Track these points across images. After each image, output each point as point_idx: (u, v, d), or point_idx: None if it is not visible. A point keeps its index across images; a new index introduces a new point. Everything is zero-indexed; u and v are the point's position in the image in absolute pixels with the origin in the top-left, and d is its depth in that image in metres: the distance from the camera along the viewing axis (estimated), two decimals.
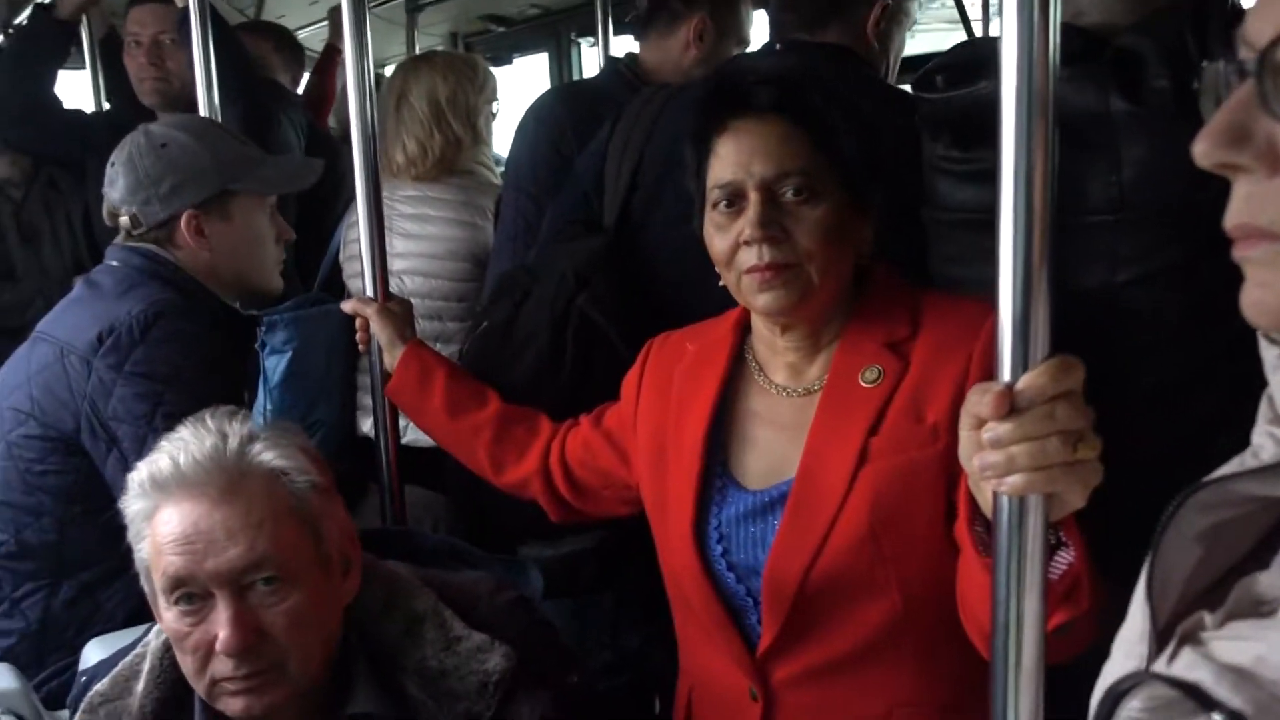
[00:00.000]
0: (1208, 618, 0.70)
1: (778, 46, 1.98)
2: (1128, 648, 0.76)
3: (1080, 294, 1.33)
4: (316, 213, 3.09)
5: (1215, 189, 0.65)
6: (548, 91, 3.28)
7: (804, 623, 1.33)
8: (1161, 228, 1.30)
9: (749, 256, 1.31)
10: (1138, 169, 1.29)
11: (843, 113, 1.36)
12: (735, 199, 1.33)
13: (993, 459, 0.93)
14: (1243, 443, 0.75)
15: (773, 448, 1.39)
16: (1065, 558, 1.03)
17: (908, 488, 1.28)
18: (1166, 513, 0.73)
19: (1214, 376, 1.30)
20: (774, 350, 1.42)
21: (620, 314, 1.81)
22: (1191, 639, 0.69)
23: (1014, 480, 0.93)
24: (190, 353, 1.80)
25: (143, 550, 1.23)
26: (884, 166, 1.40)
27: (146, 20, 3.03)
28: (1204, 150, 0.63)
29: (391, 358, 1.84)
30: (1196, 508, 0.73)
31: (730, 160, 1.34)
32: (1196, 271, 1.27)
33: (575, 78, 4.95)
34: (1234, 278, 0.66)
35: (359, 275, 2.53)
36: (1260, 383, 0.74)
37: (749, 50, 2.53)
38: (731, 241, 1.33)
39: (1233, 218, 0.64)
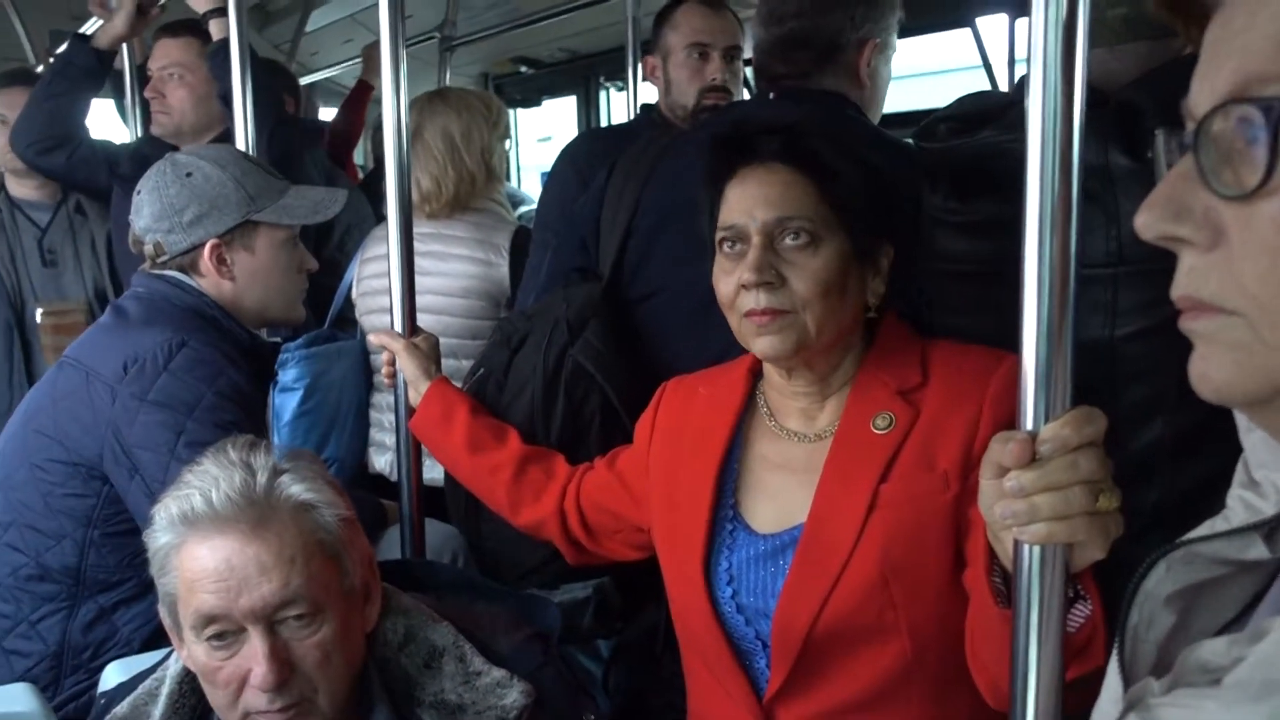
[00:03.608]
0: (1155, 684, 0.69)
1: (772, 95, 2.00)
2: (1104, 710, 0.76)
3: (1079, 347, 1.33)
4: (319, 246, 3.14)
5: None
6: (581, 134, 3.32)
7: (812, 667, 1.33)
8: (1160, 282, 1.28)
9: (748, 300, 1.33)
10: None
11: (849, 161, 1.37)
12: (738, 242, 1.36)
13: (1015, 507, 0.94)
14: None
15: (784, 492, 1.40)
16: (1083, 610, 1.03)
17: (918, 535, 1.28)
18: (1136, 576, 0.74)
19: (1215, 433, 1.29)
20: (785, 395, 1.44)
21: (613, 362, 1.82)
22: (1139, 705, 0.69)
23: (1036, 529, 0.93)
24: (213, 382, 1.81)
25: (168, 584, 1.23)
26: (894, 216, 1.41)
27: (157, 55, 3.10)
28: (1145, 222, 0.63)
29: (416, 393, 1.86)
30: (1166, 570, 0.73)
31: (736, 205, 1.37)
32: None
33: (602, 121, 5.02)
34: None
35: (375, 311, 2.57)
36: None
37: (746, 99, 2.56)
38: (734, 285, 1.35)
39: (1177, 289, 0.64)
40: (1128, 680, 0.74)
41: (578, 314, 1.84)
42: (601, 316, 1.85)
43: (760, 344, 1.35)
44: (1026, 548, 0.95)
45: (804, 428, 1.42)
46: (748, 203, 1.35)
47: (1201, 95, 0.62)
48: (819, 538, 1.32)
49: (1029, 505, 0.93)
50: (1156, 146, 0.67)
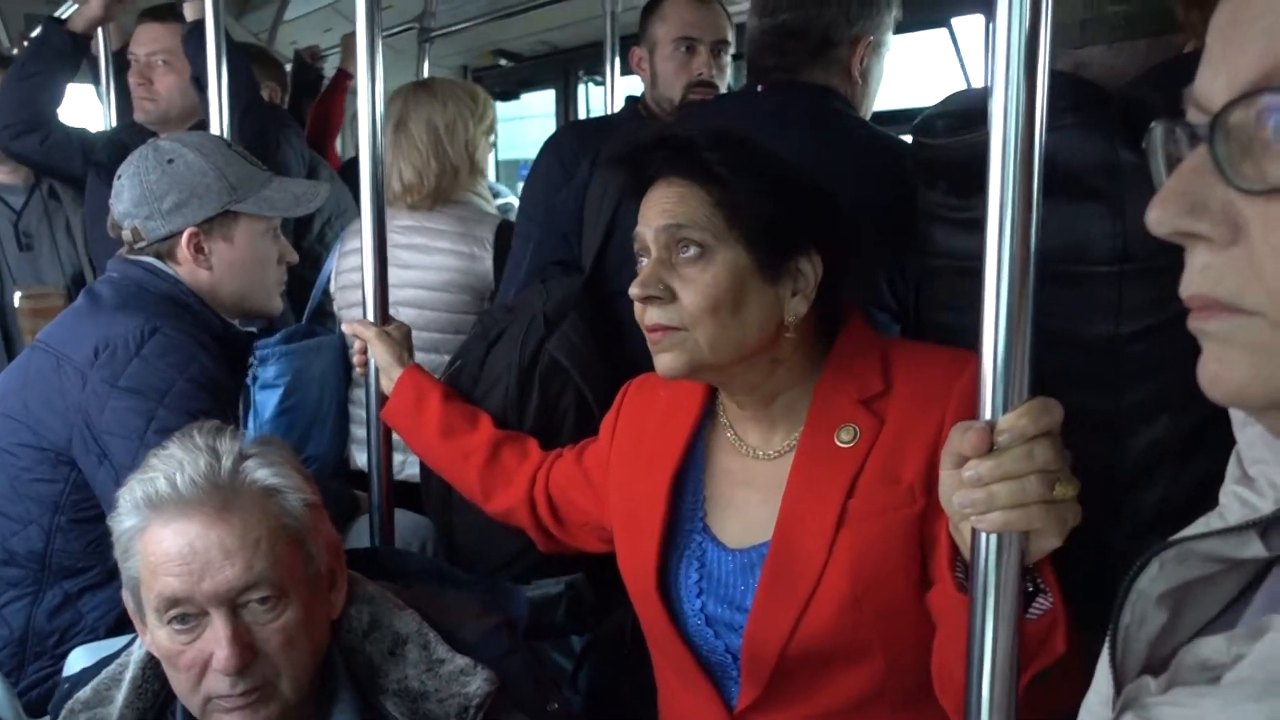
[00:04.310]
0: (1152, 683, 0.69)
1: (760, 89, 2.00)
2: (1094, 710, 0.76)
3: (1084, 344, 1.33)
4: (299, 237, 3.13)
5: None
6: (565, 125, 3.30)
7: (785, 685, 1.32)
8: (1166, 280, 1.27)
9: (643, 316, 1.32)
10: (1142, 220, 1.29)
11: (746, 174, 1.31)
12: (643, 256, 1.34)
13: (973, 496, 0.95)
14: None
15: (748, 508, 1.38)
16: (1043, 604, 1.04)
17: (887, 551, 1.26)
18: (1129, 575, 0.73)
19: (1220, 431, 1.28)
20: (736, 405, 1.41)
21: (588, 357, 1.81)
22: (1135, 704, 0.69)
23: (993, 517, 0.95)
24: (184, 369, 1.81)
25: (132, 568, 1.23)
26: (819, 227, 1.35)
27: (143, 40, 3.07)
28: (1157, 218, 0.60)
29: (388, 381, 1.85)
30: (1159, 569, 0.72)
31: (640, 217, 1.35)
32: None
33: (580, 115, 5.02)
34: None
35: (354, 305, 2.55)
36: None
37: (731, 93, 2.55)
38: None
39: (1189, 288, 0.61)
40: (1119, 680, 0.73)
41: (556, 308, 1.84)
42: (581, 311, 1.84)
43: (657, 362, 1.33)
44: (984, 536, 0.96)
45: (763, 444, 1.39)
46: (648, 214, 1.34)
47: (1215, 85, 0.58)
48: (786, 557, 1.30)
49: (986, 494, 0.94)
50: (1153, 140, 0.64)
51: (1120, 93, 1.34)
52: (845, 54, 1.94)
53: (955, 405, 1.24)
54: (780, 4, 1.93)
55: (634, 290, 1.31)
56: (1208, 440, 1.30)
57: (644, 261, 1.33)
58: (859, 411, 1.30)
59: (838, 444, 1.30)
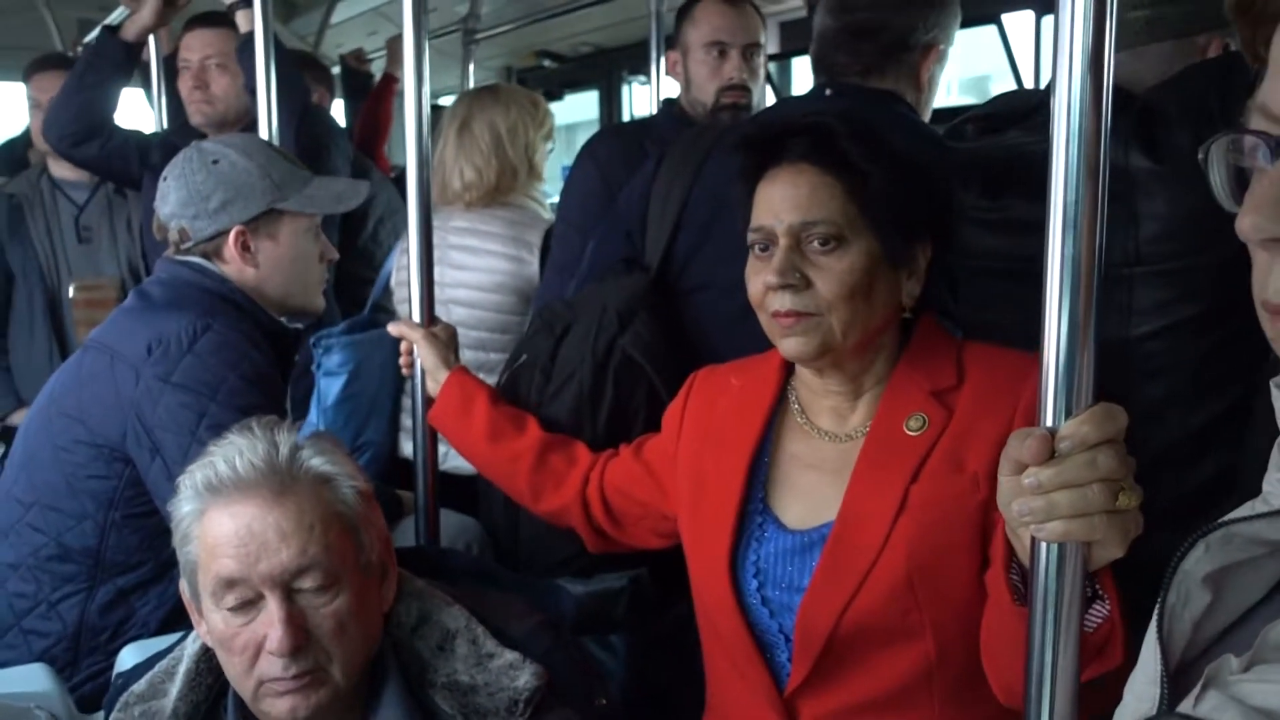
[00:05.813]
0: (1234, 661, 0.69)
1: (828, 91, 2.00)
2: (1140, 690, 0.76)
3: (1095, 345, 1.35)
4: (349, 235, 3.16)
5: (1230, 250, 0.64)
6: (603, 129, 3.33)
7: (835, 665, 1.33)
8: (1177, 283, 1.31)
9: (774, 301, 1.34)
10: (1154, 224, 1.30)
11: (879, 163, 1.34)
12: (767, 244, 1.36)
13: (1033, 504, 0.93)
14: (1257, 494, 0.75)
15: (814, 490, 1.40)
16: (1101, 611, 1.03)
17: (946, 537, 1.28)
18: (1177, 556, 0.74)
19: (1227, 432, 1.30)
20: (816, 393, 1.43)
21: (662, 355, 1.82)
22: (1217, 681, 0.69)
23: (1053, 526, 0.93)
24: (236, 365, 1.83)
25: (190, 552, 1.25)
26: (931, 215, 1.39)
27: (194, 45, 3.14)
28: (1253, 224, 0.61)
29: (435, 383, 1.87)
30: (1204, 551, 0.73)
31: (764, 206, 1.37)
32: (1211, 328, 1.28)
33: (624, 115, 5.02)
34: (1250, 334, 0.65)
35: (408, 301, 2.59)
36: (1272, 436, 0.74)
37: (798, 95, 2.55)
38: (762, 285, 1.35)
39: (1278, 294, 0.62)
40: (1167, 659, 0.74)
41: (626, 304, 1.84)
42: (650, 309, 1.86)
43: (786, 345, 1.35)
44: (1044, 545, 0.94)
45: (835, 427, 1.42)
46: (775, 205, 1.35)
47: None
48: (847, 537, 1.32)
49: (1046, 502, 0.92)
50: (1213, 152, 0.65)
51: (1140, 99, 1.35)
52: (917, 60, 1.95)
53: (1027, 402, 1.25)
54: (857, 4, 1.92)
55: (770, 279, 1.33)
56: (1215, 442, 1.32)
57: (765, 248, 1.36)
58: (929, 402, 1.34)
59: (906, 431, 1.34)
